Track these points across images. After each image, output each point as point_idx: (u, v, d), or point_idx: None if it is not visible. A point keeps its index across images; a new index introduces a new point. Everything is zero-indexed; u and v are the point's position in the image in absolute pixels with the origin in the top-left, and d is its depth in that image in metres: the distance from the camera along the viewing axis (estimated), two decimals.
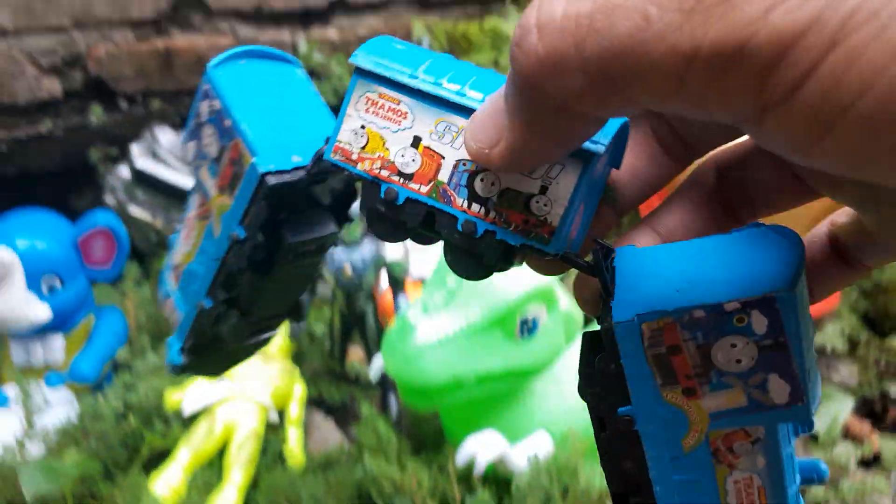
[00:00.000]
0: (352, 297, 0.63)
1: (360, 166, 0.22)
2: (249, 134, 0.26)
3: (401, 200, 0.21)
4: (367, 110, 0.22)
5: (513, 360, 0.54)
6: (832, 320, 0.75)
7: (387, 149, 0.22)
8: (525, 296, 0.54)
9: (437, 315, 0.53)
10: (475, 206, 0.21)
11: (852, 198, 0.20)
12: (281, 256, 0.28)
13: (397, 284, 0.63)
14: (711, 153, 0.23)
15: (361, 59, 0.22)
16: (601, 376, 0.21)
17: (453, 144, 0.22)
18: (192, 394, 0.56)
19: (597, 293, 0.21)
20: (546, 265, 0.22)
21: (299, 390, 0.60)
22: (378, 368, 0.60)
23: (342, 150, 0.22)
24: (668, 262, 0.20)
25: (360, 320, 0.64)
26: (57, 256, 0.57)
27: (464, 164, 0.21)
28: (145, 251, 0.78)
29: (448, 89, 0.21)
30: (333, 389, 0.65)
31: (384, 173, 0.22)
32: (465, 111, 0.21)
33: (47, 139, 0.97)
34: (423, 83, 0.21)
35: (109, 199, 0.77)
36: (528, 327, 0.54)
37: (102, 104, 0.97)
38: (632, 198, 0.23)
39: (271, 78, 0.28)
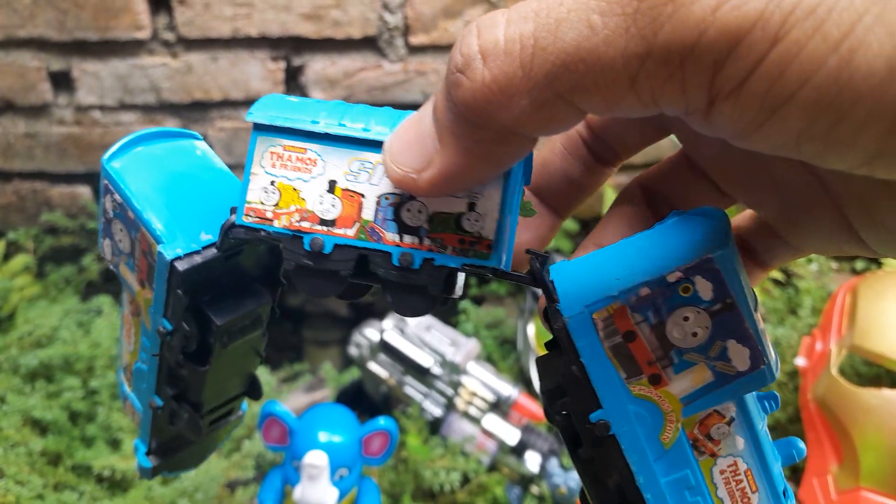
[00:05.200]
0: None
1: (277, 223, 0.21)
2: (151, 222, 0.24)
3: (328, 249, 0.20)
4: (273, 165, 0.21)
5: None
6: None
7: (302, 199, 0.20)
8: None
9: None
10: (407, 238, 0.20)
11: (758, 200, 0.21)
12: (216, 341, 0.25)
13: None
14: (636, 177, 0.24)
15: (258, 114, 0.21)
16: (566, 382, 0.20)
17: (371, 181, 0.20)
18: None
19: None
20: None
21: None
22: None
23: (255, 211, 0.21)
24: (604, 259, 0.19)
25: None
26: (349, 453, 0.74)
27: (387, 198, 0.20)
28: (376, 400, 0.94)
29: (354, 128, 0.20)
30: None
31: (305, 224, 0.20)
32: (377, 145, 0.20)
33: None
34: (328, 126, 0.20)
35: (353, 350, 0.93)
36: None
37: None
38: (570, 201, 0.24)
39: (171, 158, 0.26)
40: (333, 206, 0.20)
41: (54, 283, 1.08)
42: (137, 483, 0.86)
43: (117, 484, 0.87)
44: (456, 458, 0.85)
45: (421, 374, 0.89)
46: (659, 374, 0.19)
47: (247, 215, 0.21)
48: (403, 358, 0.89)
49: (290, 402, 1.02)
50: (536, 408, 0.89)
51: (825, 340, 0.91)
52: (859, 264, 1.20)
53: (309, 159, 0.21)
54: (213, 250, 0.24)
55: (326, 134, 0.20)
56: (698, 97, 0.14)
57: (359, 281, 0.21)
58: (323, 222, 0.20)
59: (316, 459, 0.70)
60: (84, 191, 1.08)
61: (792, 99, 0.13)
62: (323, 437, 0.73)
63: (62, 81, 1.00)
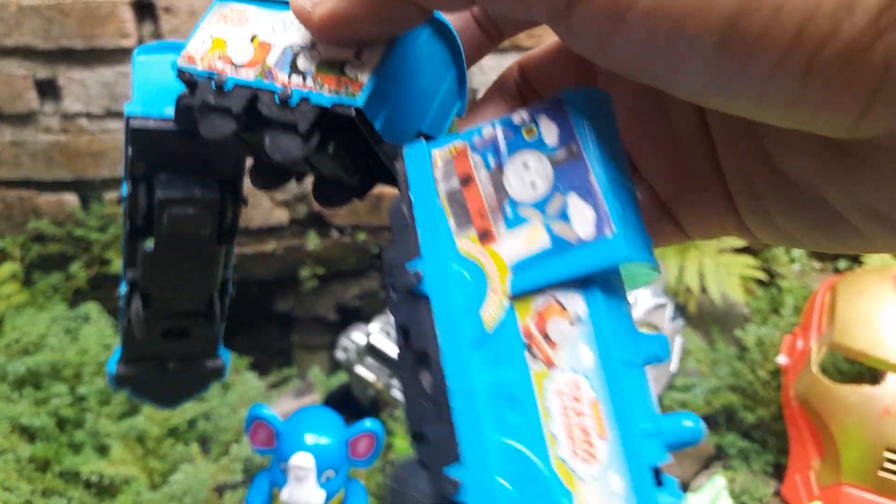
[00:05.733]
0: None
1: (199, 66, 0.22)
2: (135, 88, 0.26)
3: (229, 87, 0.21)
4: (217, 23, 0.23)
5: None
6: None
7: (226, 47, 0.22)
8: None
9: None
10: (295, 79, 0.21)
11: (656, 164, 0.21)
12: (157, 216, 0.27)
13: None
14: (516, 60, 0.24)
15: None
16: (393, 223, 0.19)
17: (287, 34, 0.22)
18: None
19: None
20: None
21: None
22: None
23: (187, 57, 0.23)
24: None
25: None
26: (335, 455, 0.74)
27: (291, 48, 0.21)
28: (364, 404, 0.95)
29: None
30: None
31: (218, 65, 0.22)
32: None
33: (269, 256, 1.15)
34: None
35: (340, 354, 0.94)
36: None
37: (318, 232, 1.14)
38: None
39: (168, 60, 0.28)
40: (247, 52, 0.22)
41: (42, 291, 1.08)
42: (125, 489, 0.86)
43: (105, 490, 0.87)
44: None
45: None
46: (489, 229, 0.17)
47: (181, 59, 0.23)
48: (390, 361, 0.90)
49: (278, 406, 1.02)
50: None
51: (806, 338, 0.92)
52: (842, 264, 1.21)
53: (245, 18, 0.22)
54: (170, 123, 0.25)
55: None
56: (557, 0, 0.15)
57: (246, 135, 0.22)
58: (234, 66, 0.22)
59: (302, 461, 0.71)
60: (71, 198, 1.08)
61: (633, 6, 0.14)
62: (309, 438, 0.74)
63: (48, 89, 1.00)
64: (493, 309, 0.16)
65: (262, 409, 0.75)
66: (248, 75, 0.21)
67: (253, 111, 0.21)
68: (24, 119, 1.02)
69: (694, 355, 1.03)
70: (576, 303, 0.16)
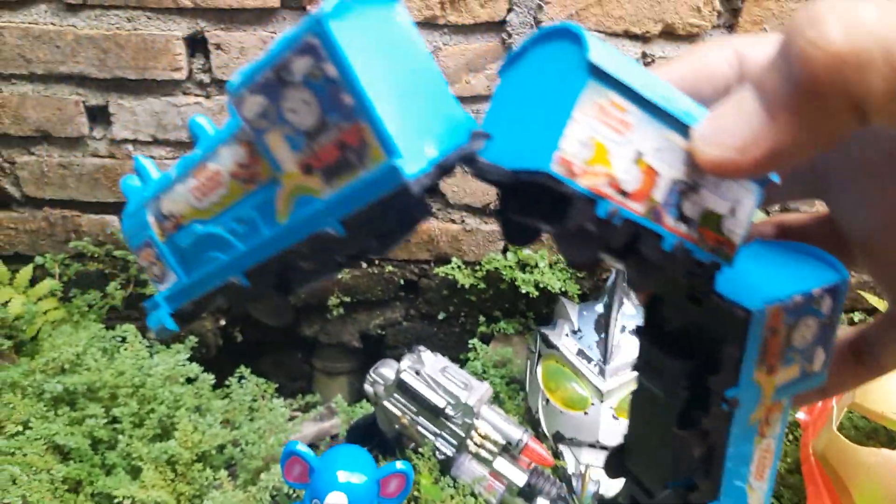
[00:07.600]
0: None
1: (582, 182, 0.19)
2: (384, 124, 0.20)
3: (619, 220, 0.19)
4: (594, 118, 0.19)
5: None
6: None
7: (609, 163, 0.19)
8: None
9: None
10: (682, 227, 0.20)
11: (891, 283, 0.24)
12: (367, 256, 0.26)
13: None
14: (776, 216, 0.27)
15: (598, 55, 0.18)
16: (725, 362, 0.23)
17: (670, 163, 0.20)
18: None
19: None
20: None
21: None
22: None
23: (565, 163, 0.19)
24: (756, 262, 0.24)
25: None
26: (367, 494, 0.76)
27: (676, 184, 0.20)
28: (387, 436, 0.97)
29: (678, 106, 0.20)
30: None
31: (606, 190, 0.19)
32: (684, 129, 0.20)
33: None
34: (656, 95, 0.19)
35: (368, 388, 0.96)
36: None
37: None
38: None
39: (380, 29, 0.21)
40: (635, 178, 0.20)
41: (77, 308, 1.11)
42: None
43: None
44: (466, 499, 0.87)
45: (434, 414, 0.91)
46: (774, 365, 0.23)
47: (558, 164, 0.19)
48: (418, 398, 0.92)
49: (300, 431, 1.04)
50: (546, 453, 0.91)
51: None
52: (857, 316, 1.23)
53: (626, 122, 0.19)
54: (438, 171, 0.20)
55: (649, 102, 0.19)
56: None
57: (606, 252, 0.20)
58: (621, 192, 0.19)
59: (337, 500, 0.73)
60: (113, 220, 1.11)
61: None
62: (342, 476, 0.76)
63: (99, 116, 1.04)
64: (758, 415, 0.24)
65: (297, 446, 0.77)
66: (636, 209, 0.20)
67: (628, 246, 0.20)
68: (74, 142, 1.05)
69: None
70: (784, 401, 0.24)
